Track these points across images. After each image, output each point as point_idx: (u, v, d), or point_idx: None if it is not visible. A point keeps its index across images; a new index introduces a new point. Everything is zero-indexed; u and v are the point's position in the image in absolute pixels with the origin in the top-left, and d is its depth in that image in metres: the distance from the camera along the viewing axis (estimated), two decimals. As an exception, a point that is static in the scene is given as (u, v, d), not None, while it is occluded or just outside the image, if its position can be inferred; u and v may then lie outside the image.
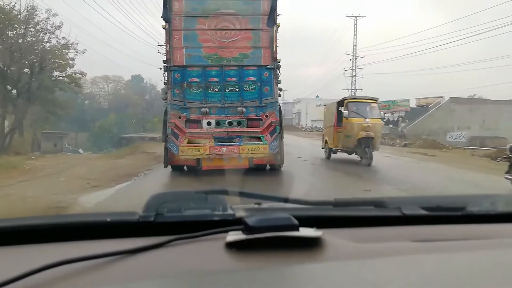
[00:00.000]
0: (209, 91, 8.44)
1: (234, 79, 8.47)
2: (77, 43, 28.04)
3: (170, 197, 1.12)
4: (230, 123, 8.47)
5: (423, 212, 1.08)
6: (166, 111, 8.80)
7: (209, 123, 8.42)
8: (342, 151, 12.94)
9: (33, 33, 25.93)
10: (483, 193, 6.20)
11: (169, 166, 9.22)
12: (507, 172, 7.34)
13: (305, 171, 10.79)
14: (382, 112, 15.50)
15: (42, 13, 25.96)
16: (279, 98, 9.29)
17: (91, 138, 49.82)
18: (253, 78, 8.50)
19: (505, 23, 43.09)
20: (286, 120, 72.59)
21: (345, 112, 12.16)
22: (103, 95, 69.47)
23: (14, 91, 26.53)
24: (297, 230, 0.87)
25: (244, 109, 8.44)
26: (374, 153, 11.71)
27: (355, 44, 49.99)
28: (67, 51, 27.84)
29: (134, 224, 0.96)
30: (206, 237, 0.90)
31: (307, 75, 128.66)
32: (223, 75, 8.44)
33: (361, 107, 12.32)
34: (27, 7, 25.08)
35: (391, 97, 41.72)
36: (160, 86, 38.53)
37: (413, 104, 42.00)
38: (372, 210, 1.14)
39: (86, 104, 63.76)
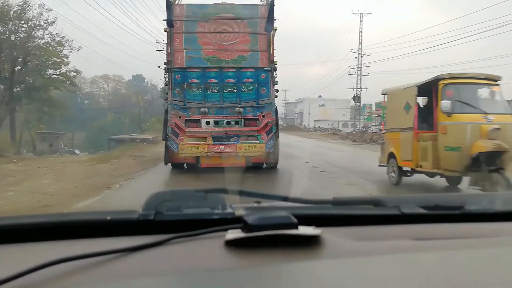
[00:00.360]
0: (208, 92, 8.58)
1: (232, 80, 8.63)
2: (72, 40, 26.97)
3: (169, 195, 1.10)
4: (228, 123, 8.61)
5: (422, 211, 1.07)
6: (166, 111, 8.96)
7: (208, 123, 8.56)
8: (429, 173, 7.26)
9: (25, 29, 24.82)
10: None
11: (166, 168, 9.35)
12: None
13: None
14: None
15: (35, 8, 24.83)
16: (277, 99, 9.42)
17: (88, 138, 48.31)
18: (250, 80, 8.66)
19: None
20: (288, 120, 72.97)
21: (445, 104, 6.49)
22: (103, 94, 68.73)
23: (2, 88, 25.09)
24: (296, 228, 0.85)
25: (241, 109, 8.58)
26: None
27: (360, 41, 46.99)
28: (61, 48, 26.58)
29: (134, 222, 0.95)
30: (205, 235, 0.88)
31: (310, 74, 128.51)
32: (221, 76, 8.59)
33: (474, 94, 6.95)
34: (20, 2, 24.05)
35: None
36: (161, 85, 38.09)
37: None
38: (371, 209, 1.12)
39: (85, 103, 63.08)
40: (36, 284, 0.69)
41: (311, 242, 0.84)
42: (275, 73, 8.92)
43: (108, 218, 0.97)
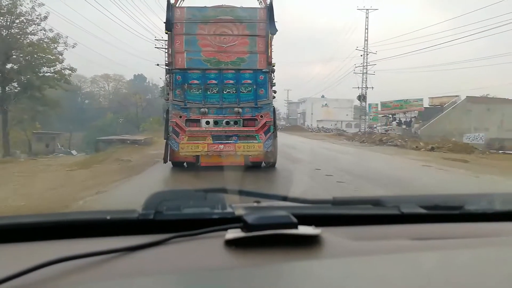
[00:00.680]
0: (208, 93, 8.61)
1: (231, 81, 8.66)
2: (67, 36, 25.10)
3: (169, 195, 1.09)
4: (227, 123, 8.64)
5: (421, 210, 1.05)
6: (167, 111, 9.00)
7: (207, 122, 8.59)
8: None
9: (17, 24, 23.33)
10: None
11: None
12: None
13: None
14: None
15: (27, 3, 23.10)
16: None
17: (86, 138, 45.25)
18: (249, 81, 8.69)
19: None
20: (290, 120, 72.27)
21: None
22: (103, 94, 67.24)
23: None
24: (296, 228, 0.84)
25: (240, 110, 8.61)
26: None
27: (366, 38, 43.53)
28: (55, 45, 24.64)
29: (134, 222, 0.93)
30: (205, 234, 0.87)
31: (312, 74, 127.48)
32: (221, 77, 8.62)
33: None
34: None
35: (404, 96, 37.87)
36: (161, 85, 37.33)
37: (426, 104, 37.17)
38: (370, 209, 1.11)
39: (85, 103, 61.59)
40: (36, 283, 0.68)
41: (311, 241, 0.83)
42: (273, 75, 9.00)
43: (108, 217, 0.95)
